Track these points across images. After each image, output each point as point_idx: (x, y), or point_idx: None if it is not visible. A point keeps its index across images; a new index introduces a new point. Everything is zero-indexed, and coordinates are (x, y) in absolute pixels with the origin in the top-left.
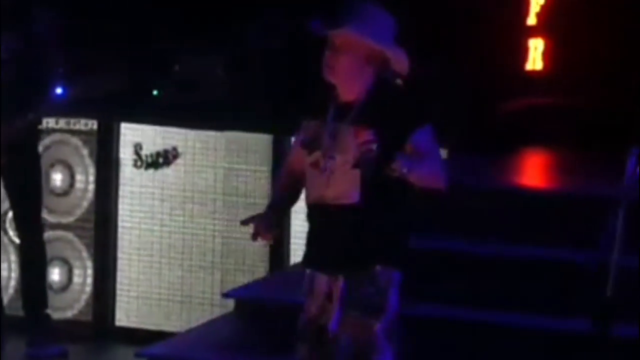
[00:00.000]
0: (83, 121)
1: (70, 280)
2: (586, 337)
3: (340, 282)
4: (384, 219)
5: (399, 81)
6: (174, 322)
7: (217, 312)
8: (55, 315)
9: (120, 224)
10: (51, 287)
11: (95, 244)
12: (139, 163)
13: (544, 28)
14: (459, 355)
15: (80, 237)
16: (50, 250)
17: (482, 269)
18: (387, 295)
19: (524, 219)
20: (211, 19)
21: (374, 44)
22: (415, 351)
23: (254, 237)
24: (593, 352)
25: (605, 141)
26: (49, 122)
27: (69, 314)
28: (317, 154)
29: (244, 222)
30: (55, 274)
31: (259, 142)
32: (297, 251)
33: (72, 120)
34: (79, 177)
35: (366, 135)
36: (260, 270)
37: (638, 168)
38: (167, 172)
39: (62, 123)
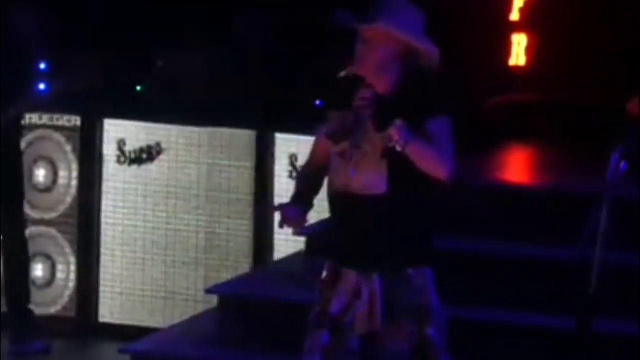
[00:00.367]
0: (66, 117)
1: (53, 276)
2: (569, 333)
3: (375, 280)
4: (411, 212)
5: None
6: (158, 318)
7: (201, 308)
8: (39, 311)
9: (103, 220)
10: (34, 283)
11: (79, 240)
12: (122, 159)
13: (527, 23)
14: None
15: (63, 233)
16: (33, 246)
17: (465, 265)
18: (428, 295)
19: (507, 216)
20: (195, 14)
21: (405, 38)
22: None
23: (282, 224)
24: (576, 349)
25: (588, 137)
26: (32, 118)
27: (52, 310)
28: (344, 144)
29: (274, 210)
30: (38, 270)
31: (243, 138)
32: (280, 247)
33: (56, 117)
34: (62, 173)
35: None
36: (244, 266)
37: (621, 165)
38: (151, 168)
39: (45, 119)
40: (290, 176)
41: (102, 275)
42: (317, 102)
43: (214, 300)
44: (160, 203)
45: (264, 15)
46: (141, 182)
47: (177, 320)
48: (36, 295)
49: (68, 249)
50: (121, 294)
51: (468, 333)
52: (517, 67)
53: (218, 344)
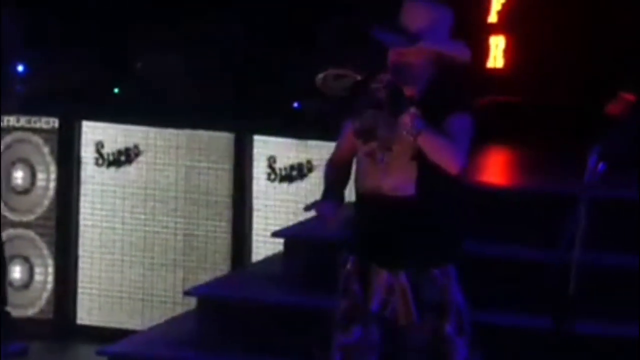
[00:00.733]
0: (44, 119)
1: (31, 278)
2: (548, 334)
3: (402, 277)
4: (439, 214)
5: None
6: (136, 320)
7: (179, 310)
8: (16, 313)
9: (81, 222)
10: (12, 285)
11: (57, 242)
12: (100, 161)
13: (505, 26)
14: None
15: (41, 235)
16: (11, 248)
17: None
18: (449, 293)
19: (486, 217)
20: (173, 16)
21: (441, 49)
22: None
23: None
24: (555, 350)
25: (566, 139)
26: (9, 121)
27: (30, 312)
28: (372, 144)
29: (307, 208)
30: (16, 272)
31: (221, 140)
32: (259, 249)
33: (33, 119)
34: (40, 175)
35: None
36: (222, 267)
37: (599, 166)
38: (129, 170)
39: (23, 121)
40: (269, 178)
41: (80, 277)
42: (295, 104)
43: (192, 302)
44: (139, 205)
45: (242, 16)
46: (119, 184)
47: (155, 322)
48: (14, 297)
49: (46, 251)
50: (99, 295)
51: None
52: (495, 69)
53: (196, 345)
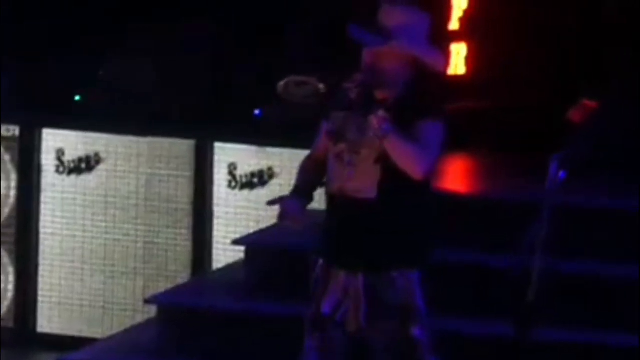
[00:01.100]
0: (5, 127)
1: None
2: (508, 341)
3: (360, 279)
4: (400, 218)
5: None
6: (96, 329)
7: (140, 318)
8: None
9: (42, 230)
10: None
11: (17, 250)
12: (61, 169)
13: (466, 33)
14: None
15: (1, 243)
16: None
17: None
18: (413, 297)
19: (447, 223)
20: (134, 24)
21: (416, 52)
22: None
23: (280, 218)
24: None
25: (528, 145)
26: None
27: None
28: (341, 146)
29: (271, 203)
30: None
31: (181, 148)
32: (219, 257)
33: None
34: (1, 183)
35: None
36: (183, 275)
37: (560, 173)
38: (89, 177)
39: None
40: (229, 185)
41: (40, 285)
42: (256, 112)
43: (152, 310)
44: (99, 213)
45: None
46: (80, 191)
47: (115, 330)
48: None
49: (6, 259)
50: (59, 304)
51: None
52: (456, 76)
53: (157, 354)
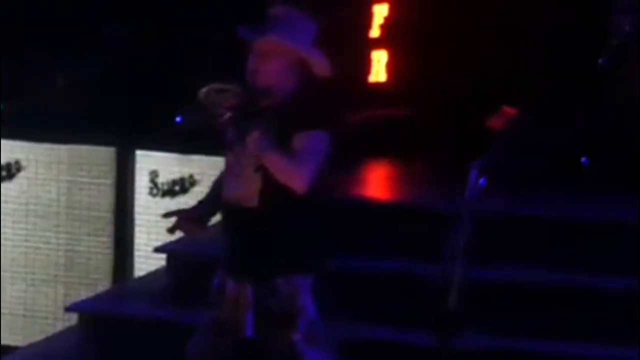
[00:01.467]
0: None
1: None
2: (429, 349)
3: (248, 288)
4: (283, 226)
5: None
6: (17, 337)
7: (61, 326)
8: None
9: None
10: None
11: None
12: None
13: (387, 40)
14: None
15: None
16: None
17: (325, 281)
18: (297, 304)
19: (369, 231)
20: (54, 31)
21: (295, 48)
22: None
23: (171, 230)
24: None
25: (448, 152)
26: None
27: None
28: (231, 156)
29: (167, 215)
30: None
31: (103, 155)
32: (140, 264)
33: None
34: None
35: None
36: (104, 283)
37: (480, 181)
38: (10, 185)
39: None
40: (151, 193)
41: None
42: (177, 119)
43: (73, 318)
44: (20, 221)
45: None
46: (0, 199)
47: (36, 338)
48: None
49: None
50: None
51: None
52: (377, 84)
53: None
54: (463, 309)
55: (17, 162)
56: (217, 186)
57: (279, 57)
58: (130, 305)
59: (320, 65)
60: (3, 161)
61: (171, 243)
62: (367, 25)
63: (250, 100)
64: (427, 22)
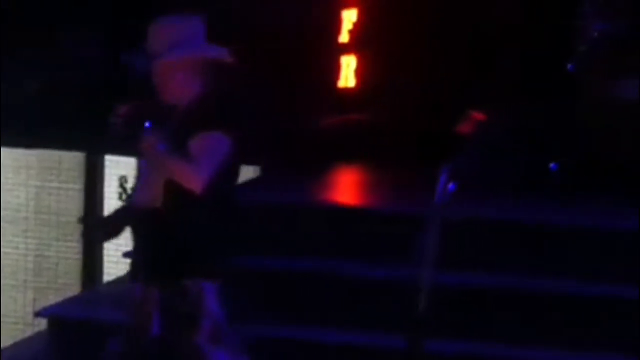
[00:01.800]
0: None
1: None
2: (400, 353)
3: (155, 291)
4: (186, 228)
5: None
6: None
7: (30, 331)
8: None
9: None
10: None
11: None
12: None
13: (356, 45)
14: None
15: None
16: None
17: (298, 285)
18: (201, 305)
19: (338, 235)
20: (22, 35)
21: (192, 56)
22: None
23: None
24: None
25: (417, 157)
26: None
27: None
28: (141, 161)
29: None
30: None
31: (72, 160)
32: (110, 269)
33: None
34: None
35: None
36: (73, 288)
37: (449, 185)
38: None
39: None
40: (120, 198)
41: None
42: (146, 124)
43: (43, 322)
44: None
45: (93, 35)
46: None
47: (6, 343)
48: None
49: None
50: None
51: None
52: (346, 89)
53: None
54: (432, 313)
55: None
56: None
57: (179, 70)
58: (99, 310)
59: (219, 55)
60: None
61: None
62: (337, 30)
63: (152, 108)
64: (396, 27)
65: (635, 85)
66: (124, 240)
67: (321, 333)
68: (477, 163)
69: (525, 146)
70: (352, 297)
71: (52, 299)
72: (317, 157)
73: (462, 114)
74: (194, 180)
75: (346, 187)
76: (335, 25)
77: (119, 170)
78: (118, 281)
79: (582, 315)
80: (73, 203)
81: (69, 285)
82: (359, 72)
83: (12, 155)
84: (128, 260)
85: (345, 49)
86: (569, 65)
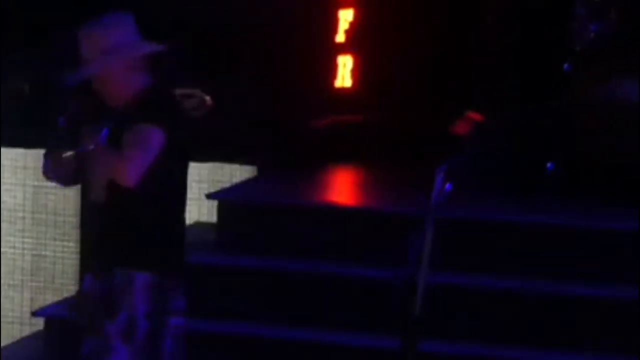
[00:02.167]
0: None
1: None
2: (394, 354)
3: (95, 282)
4: (126, 221)
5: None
6: None
7: (27, 331)
8: None
9: None
10: None
11: None
12: None
13: (352, 45)
14: None
15: None
16: None
17: (291, 285)
18: (127, 298)
19: (333, 236)
20: (18, 34)
21: (128, 56)
22: None
23: None
24: None
25: (414, 157)
26: None
27: None
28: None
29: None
30: None
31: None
32: None
33: None
34: None
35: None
36: (70, 288)
37: (445, 186)
38: None
39: None
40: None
41: None
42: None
43: (40, 322)
44: None
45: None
46: None
47: (3, 343)
48: None
49: None
50: None
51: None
52: (343, 89)
53: None
54: (427, 313)
55: None
56: None
57: (117, 74)
58: None
59: (154, 50)
60: None
61: None
62: (333, 30)
63: (94, 106)
64: (392, 27)
65: (631, 85)
66: None
67: (314, 333)
68: (474, 163)
69: (521, 147)
70: (346, 297)
71: (49, 298)
72: (313, 157)
73: (459, 115)
74: (124, 172)
75: (342, 188)
76: (331, 25)
77: None
78: None
79: (582, 316)
80: (70, 202)
81: (66, 285)
82: (355, 72)
83: (9, 156)
84: None
85: (342, 48)
86: (565, 66)
